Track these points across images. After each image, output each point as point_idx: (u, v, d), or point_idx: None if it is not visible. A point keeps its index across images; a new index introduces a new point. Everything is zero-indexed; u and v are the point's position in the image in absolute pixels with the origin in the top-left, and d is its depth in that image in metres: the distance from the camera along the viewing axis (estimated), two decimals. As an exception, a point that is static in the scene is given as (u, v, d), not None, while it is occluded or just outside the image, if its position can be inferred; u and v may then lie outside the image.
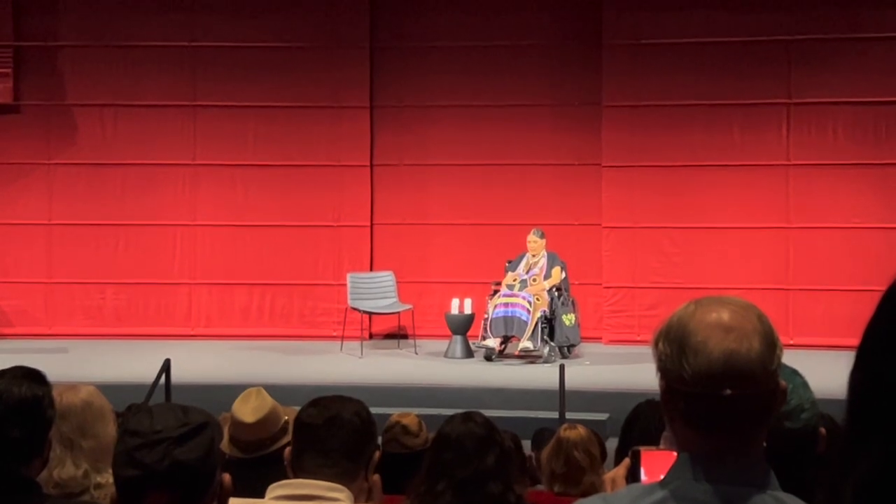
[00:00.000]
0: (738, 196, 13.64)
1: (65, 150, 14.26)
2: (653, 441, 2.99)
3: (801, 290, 13.48)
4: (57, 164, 14.27)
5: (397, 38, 14.31)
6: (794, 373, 2.75)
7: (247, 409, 4.33)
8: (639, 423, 3.98)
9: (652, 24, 13.79)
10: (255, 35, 14.22)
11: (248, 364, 12.40)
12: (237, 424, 4.33)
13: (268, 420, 4.33)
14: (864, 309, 1.66)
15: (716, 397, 1.92)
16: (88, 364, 12.01)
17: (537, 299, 12.40)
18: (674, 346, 1.96)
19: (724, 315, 1.96)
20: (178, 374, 10.17)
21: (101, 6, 14.28)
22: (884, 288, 1.57)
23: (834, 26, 13.50)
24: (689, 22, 13.72)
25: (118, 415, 3.79)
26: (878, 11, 13.45)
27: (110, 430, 3.54)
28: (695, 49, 13.73)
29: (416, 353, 13.05)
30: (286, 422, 4.27)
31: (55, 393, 3.07)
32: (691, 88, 13.68)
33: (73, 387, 3.62)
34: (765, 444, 1.98)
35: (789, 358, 2.20)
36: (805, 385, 2.77)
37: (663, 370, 1.98)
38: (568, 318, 12.57)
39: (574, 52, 14.13)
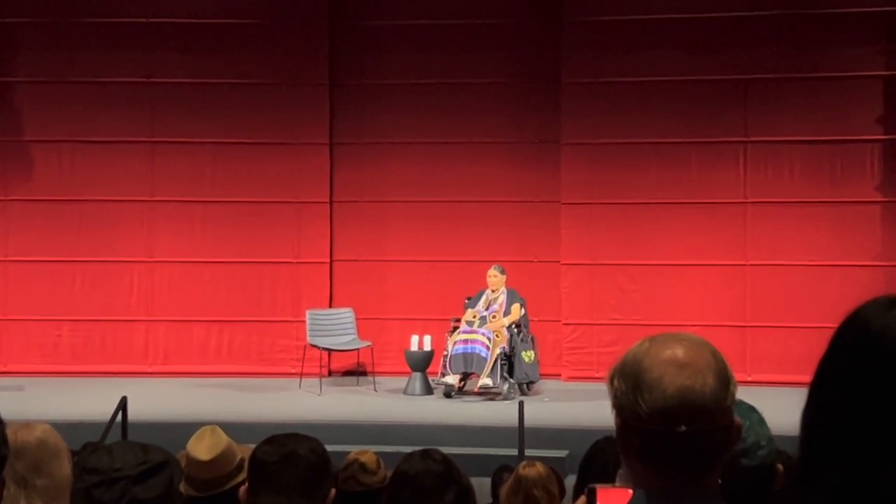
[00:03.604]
0: (695, 233, 13.72)
1: (21, 186, 14.15)
2: (612, 478, 2.99)
3: (758, 326, 13.54)
4: (13, 200, 14.16)
5: (356, 75, 14.33)
6: (752, 409, 2.75)
7: (202, 447, 4.30)
8: (597, 460, 3.98)
9: (610, 62, 13.86)
10: (213, 72, 14.19)
11: (206, 401, 12.32)
12: (192, 463, 4.30)
13: (223, 458, 4.30)
14: (821, 346, 1.68)
15: (671, 434, 1.92)
16: (44, 402, 11.87)
17: (497, 336, 12.40)
18: (629, 383, 1.96)
19: (679, 352, 1.97)
20: (135, 412, 10.08)
21: (57, 42, 14.21)
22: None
23: (789, 66, 13.64)
24: (647, 61, 13.80)
25: (73, 453, 3.75)
26: (833, 52, 13.60)
27: (65, 468, 3.50)
28: (652, 88, 13.82)
29: (376, 390, 12.99)
30: (242, 460, 4.24)
31: (9, 431, 3.02)
32: (649, 126, 13.76)
33: (27, 425, 3.57)
34: (720, 481, 1.98)
35: (747, 395, 2.21)
36: (762, 421, 2.77)
37: (619, 407, 1.98)
38: (527, 355, 12.57)
39: (533, 91, 14.20)
